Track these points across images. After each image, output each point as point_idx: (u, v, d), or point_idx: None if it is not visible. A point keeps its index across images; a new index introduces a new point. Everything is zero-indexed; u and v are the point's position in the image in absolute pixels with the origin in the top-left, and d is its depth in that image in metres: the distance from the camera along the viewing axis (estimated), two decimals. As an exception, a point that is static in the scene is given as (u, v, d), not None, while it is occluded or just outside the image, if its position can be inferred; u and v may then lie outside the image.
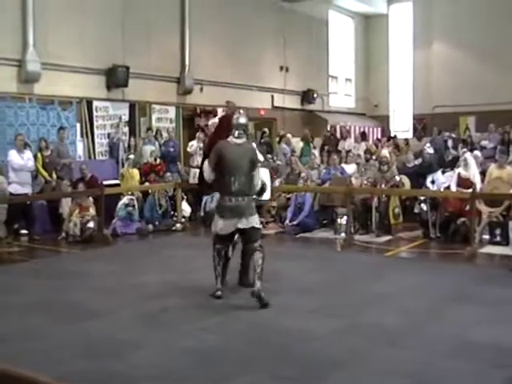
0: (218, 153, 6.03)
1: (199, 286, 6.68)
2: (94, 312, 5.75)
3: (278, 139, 16.90)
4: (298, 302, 5.99)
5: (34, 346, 4.84)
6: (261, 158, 6.61)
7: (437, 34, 21.20)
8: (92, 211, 10.35)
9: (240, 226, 5.95)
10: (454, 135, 16.59)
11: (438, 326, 5.31)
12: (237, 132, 6.18)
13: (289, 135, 16.33)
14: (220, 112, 16.50)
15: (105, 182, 11.04)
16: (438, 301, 6.13)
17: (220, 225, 6.03)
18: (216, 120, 7.19)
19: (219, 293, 6.08)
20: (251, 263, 6.20)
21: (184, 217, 11.74)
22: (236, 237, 6.35)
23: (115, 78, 13.68)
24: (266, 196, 6.67)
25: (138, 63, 14.07)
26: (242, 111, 6.64)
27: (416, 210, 10.33)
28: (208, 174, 6.13)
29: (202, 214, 11.93)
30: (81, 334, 5.12)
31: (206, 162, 6.17)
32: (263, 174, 6.55)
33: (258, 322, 5.47)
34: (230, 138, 6.15)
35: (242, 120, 6.27)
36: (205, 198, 11.87)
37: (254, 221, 6.05)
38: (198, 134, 14.11)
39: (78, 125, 13.24)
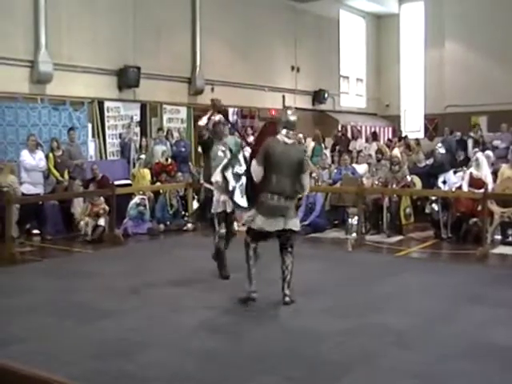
0: (265, 150, 5.79)
1: (210, 286, 6.69)
2: (105, 312, 5.75)
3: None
4: (308, 303, 5.96)
5: (46, 346, 4.85)
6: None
7: (448, 33, 21.08)
8: (103, 210, 10.37)
9: (278, 227, 5.81)
10: (472, 134, 16.51)
11: (449, 328, 5.27)
12: (285, 130, 5.89)
13: (300, 135, 16.28)
14: (231, 113, 16.54)
15: (116, 182, 11.06)
16: (450, 302, 6.09)
17: (259, 221, 5.83)
18: (203, 121, 7.09)
19: (255, 295, 5.86)
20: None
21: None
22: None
23: (126, 78, 13.72)
24: (243, 202, 6.44)
25: (149, 64, 14.11)
26: (292, 108, 6.33)
27: (427, 211, 10.29)
28: (257, 173, 5.82)
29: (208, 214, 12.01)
30: (92, 335, 5.12)
31: (254, 162, 5.85)
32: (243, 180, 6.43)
33: (269, 322, 5.45)
34: (280, 136, 5.88)
35: (293, 118, 5.96)
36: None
37: (294, 224, 5.92)
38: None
39: (90, 125, 13.29)
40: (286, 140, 5.87)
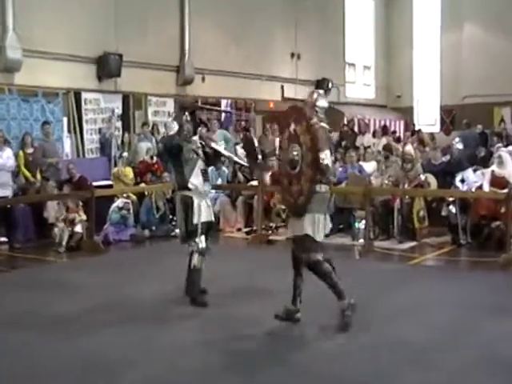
0: (327, 137, 5.77)
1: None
2: (86, 328, 5.76)
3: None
4: (314, 316, 5.96)
5: (21, 366, 4.86)
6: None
7: (468, 14, 21.11)
8: (81, 215, 10.36)
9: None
10: (495, 128, 16.57)
11: (469, 342, 5.29)
12: (322, 116, 5.87)
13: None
14: (224, 105, 16.56)
15: (95, 183, 11.05)
16: (470, 314, 6.10)
17: (328, 224, 5.74)
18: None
19: (353, 299, 5.67)
20: None
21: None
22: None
23: (107, 66, 13.71)
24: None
25: (133, 50, 14.10)
26: (320, 91, 6.25)
27: (443, 213, 10.29)
28: (328, 155, 5.58)
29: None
30: (72, 353, 5.13)
31: (326, 155, 5.53)
32: None
33: (274, 337, 5.50)
34: (322, 124, 5.77)
35: (324, 103, 5.97)
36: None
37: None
38: (199, 130, 14.07)
39: (65, 119, 13.28)
40: (327, 126, 5.83)
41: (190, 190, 6.62)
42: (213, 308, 6.37)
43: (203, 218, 6.63)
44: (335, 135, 17.37)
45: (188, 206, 6.62)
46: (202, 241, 6.60)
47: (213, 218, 6.90)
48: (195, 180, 6.63)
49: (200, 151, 6.84)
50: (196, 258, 6.56)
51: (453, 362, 4.80)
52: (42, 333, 5.67)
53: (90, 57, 13.67)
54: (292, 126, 5.79)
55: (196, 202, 6.60)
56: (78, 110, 13.51)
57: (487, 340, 5.31)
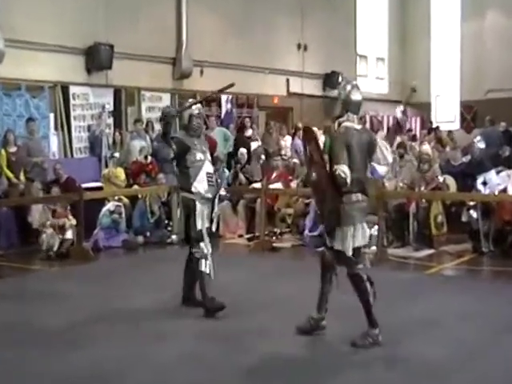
0: (345, 141, 5.52)
1: (198, 311, 6.68)
2: (75, 342, 5.79)
3: (293, 132, 16.92)
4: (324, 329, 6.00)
5: (8, 383, 4.88)
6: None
7: (491, 0, 21.11)
8: (70, 220, 10.39)
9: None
10: None
11: (493, 361, 5.30)
12: (354, 116, 5.69)
13: (315, 129, 16.26)
14: (224, 101, 16.58)
15: (84, 185, 11.08)
16: (494, 329, 6.11)
17: (361, 235, 5.65)
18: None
19: (381, 337, 5.60)
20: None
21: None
22: None
23: (97, 58, 13.75)
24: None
25: (125, 41, 14.14)
26: (354, 82, 5.98)
27: (464, 219, 10.30)
28: (347, 172, 5.41)
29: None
30: (61, 369, 5.16)
31: (342, 167, 5.39)
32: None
33: (277, 352, 5.50)
34: (348, 124, 5.64)
35: (359, 96, 5.75)
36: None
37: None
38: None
39: (52, 115, 13.31)
40: (356, 126, 5.69)
41: (192, 193, 6.64)
42: (211, 320, 6.40)
43: (207, 224, 6.70)
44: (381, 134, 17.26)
45: (190, 209, 6.66)
46: (207, 245, 6.64)
47: (214, 227, 6.93)
48: (199, 184, 6.65)
49: (208, 153, 6.85)
50: (204, 264, 6.60)
51: (471, 381, 4.81)
52: (28, 347, 5.69)
53: (78, 47, 13.71)
54: (308, 148, 5.78)
55: (199, 206, 6.62)
56: (65, 105, 13.54)
57: (509, 359, 5.32)
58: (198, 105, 7.13)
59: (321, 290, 5.92)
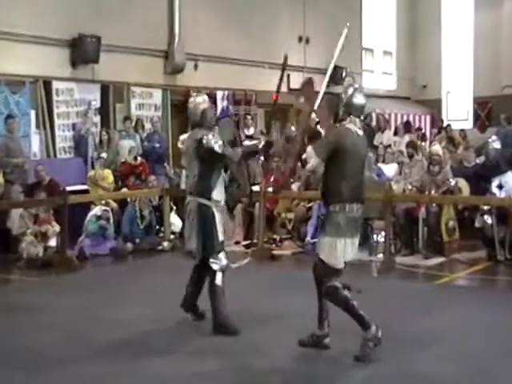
0: (337, 140, 5.58)
1: (192, 324, 6.71)
2: (58, 360, 5.75)
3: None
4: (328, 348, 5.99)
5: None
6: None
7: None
8: (53, 226, 10.37)
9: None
10: None
11: (508, 380, 5.28)
12: (356, 119, 5.77)
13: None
14: (220, 97, 16.56)
15: (69, 188, 11.07)
16: (508, 344, 6.10)
17: (348, 249, 5.64)
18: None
19: (380, 332, 5.64)
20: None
21: (173, 233, 11.74)
22: None
23: (82, 51, 13.73)
24: None
25: (113, 32, 14.13)
26: (356, 85, 6.12)
27: (477, 224, 10.30)
28: (315, 165, 5.61)
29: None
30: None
31: (310, 149, 5.61)
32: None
33: (276, 369, 5.50)
34: (351, 126, 5.71)
35: (362, 100, 5.83)
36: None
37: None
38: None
39: (33, 112, 13.28)
40: (359, 131, 5.76)
41: (210, 199, 6.52)
42: (206, 335, 6.37)
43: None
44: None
45: (207, 218, 6.51)
46: (225, 257, 6.58)
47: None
48: (219, 191, 6.57)
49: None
50: (220, 278, 6.51)
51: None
52: (5, 366, 5.65)
53: (62, 39, 13.67)
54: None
55: (217, 215, 6.54)
56: (48, 101, 13.50)
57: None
58: (205, 96, 6.96)
59: (318, 303, 5.90)
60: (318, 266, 5.77)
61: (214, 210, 6.54)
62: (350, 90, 5.84)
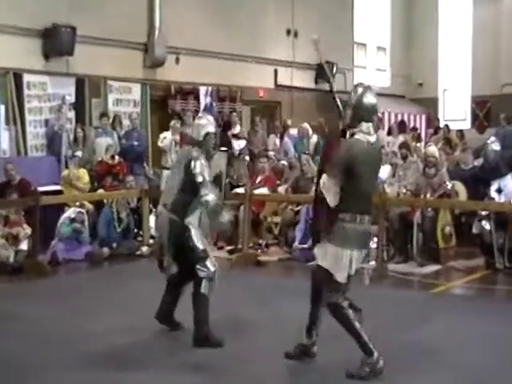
0: (348, 155, 5.51)
1: (175, 333, 6.71)
2: (28, 371, 5.73)
3: (282, 130, 16.93)
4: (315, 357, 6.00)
5: None
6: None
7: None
8: (24, 229, 10.33)
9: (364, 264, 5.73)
10: None
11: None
12: (368, 125, 5.64)
13: (306, 125, 16.23)
14: (203, 93, 16.56)
15: (41, 189, 11.04)
16: (507, 356, 6.12)
17: (354, 262, 5.59)
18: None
19: (382, 362, 5.58)
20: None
21: (153, 237, 11.70)
22: None
23: (56, 42, 13.69)
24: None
25: (89, 23, 14.10)
26: (365, 84, 5.94)
27: (475, 230, 10.33)
28: (333, 189, 5.49)
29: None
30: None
31: (325, 177, 5.54)
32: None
33: (261, 381, 5.52)
34: (361, 135, 5.60)
35: (372, 99, 5.73)
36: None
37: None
38: (172, 123, 14.11)
39: (2, 107, 13.23)
40: (370, 138, 5.64)
41: (183, 221, 6.59)
42: (187, 346, 6.34)
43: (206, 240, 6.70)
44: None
45: (179, 233, 6.60)
46: (212, 265, 6.58)
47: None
48: (195, 216, 6.62)
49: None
50: (205, 285, 6.51)
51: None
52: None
53: (34, 29, 13.63)
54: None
55: (193, 230, 6.59)
56: (18, 96, 13.46)
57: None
58: (211, 118, 7.04)
59: (311, 311, 5.88)
60: (318, 274, 5.70)
61: (192, 228, 6.60)
62: (360, 90, 5.75)
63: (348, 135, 5.71)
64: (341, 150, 5.59)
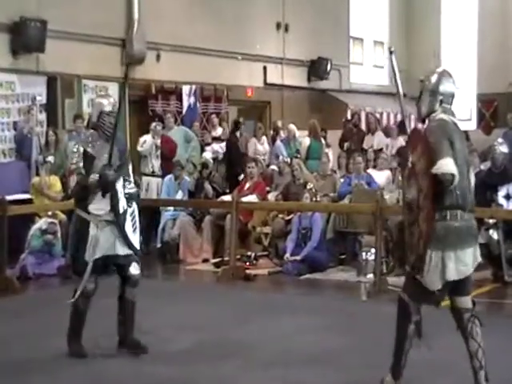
0: (445, 133, 5.24)
1: (156, 352, 6.69)
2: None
3: (272, 133, 16.93)
4: (307, 379, 5.98)
5: None
6: None
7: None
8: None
9: (470, 267, 5.49)
10: None
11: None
12: (449, 106, 5.47)
13: (292, 126, 16.27)
14: (187, 92, 16.55)
15: (9, 197, 10.99)
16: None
17: (450, 265, 5.38)
18: None
19: None
20: None
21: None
22: None
23: (25, 37, 13.66)
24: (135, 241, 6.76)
25: (62, 16, 14.09)
26: (441, 70, 5.78)
27: (482, 240, 10.31)
28: (453, 168, 5.09)
29: (158, 244, 12.03)
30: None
31: (445, 161, 5.04)
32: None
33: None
34: (444, 116, 5.41)
35: (452, 87, 5.53)
36: (163, 220, 11.95)
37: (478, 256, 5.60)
38: (153, 126, 14.09)
39: (-32, 109, 13.24)
40: (456, 120, 5.46)
41: (88, 212, 6.72)
42: (170, 367, 6.33)
43: (97, 254, 6.70)
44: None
45: (82, 233, 6.75)
46: (91, 281, 6.84)
47: (120, 251, 6.85)
48: (97, 204, 6.69)
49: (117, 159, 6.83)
50: (79, 299, 6.88)
51: None
52: None
53: (0, 23, 13.61)
54: (410, 159, 5.50)
55: (92, 231, 6.67)
56: (-16, 96, 13.48)
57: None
58: (111, 99, 7.06)
59: (397, 346, 5.66)
60: (406, 282, 5.61)
61: (92, 224, 6.71)
62: (435, 77, 5.64)
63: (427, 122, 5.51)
64: (432, 133, 5.31)
